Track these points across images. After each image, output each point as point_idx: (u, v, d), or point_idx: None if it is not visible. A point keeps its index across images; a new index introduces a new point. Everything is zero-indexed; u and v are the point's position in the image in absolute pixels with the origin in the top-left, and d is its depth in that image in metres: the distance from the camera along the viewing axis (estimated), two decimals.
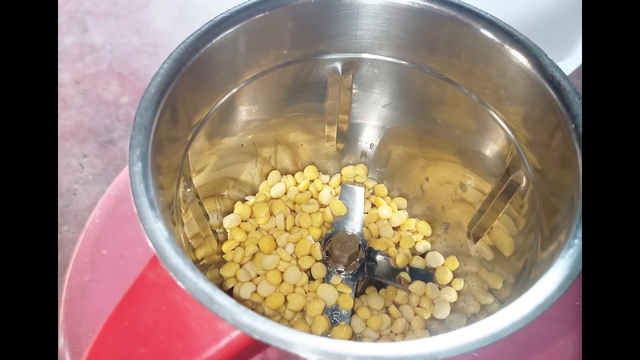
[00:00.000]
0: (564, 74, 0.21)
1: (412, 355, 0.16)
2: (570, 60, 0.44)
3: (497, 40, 0.22)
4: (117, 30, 0.56)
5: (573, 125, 0.20)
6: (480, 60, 0.23)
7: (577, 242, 0.18)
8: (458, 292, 0.29)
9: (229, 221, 0.30)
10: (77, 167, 0.46)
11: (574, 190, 0.19)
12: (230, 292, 0.28)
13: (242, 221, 0.30)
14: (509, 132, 0.24)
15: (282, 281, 0.28)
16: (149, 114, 0.21)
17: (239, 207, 0.31)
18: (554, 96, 0.21)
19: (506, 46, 0.22)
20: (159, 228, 0.18)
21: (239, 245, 0.29)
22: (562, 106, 0.21)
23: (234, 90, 0.26)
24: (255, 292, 0.28)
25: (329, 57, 0.26)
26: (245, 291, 0.28)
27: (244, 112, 0.27)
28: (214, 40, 0.23)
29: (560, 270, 0.17)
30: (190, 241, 0.25)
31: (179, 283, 0.17)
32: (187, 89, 0.23)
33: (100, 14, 0.58)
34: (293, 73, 0.27)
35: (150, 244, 0.18)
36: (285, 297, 0.28)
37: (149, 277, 0.18)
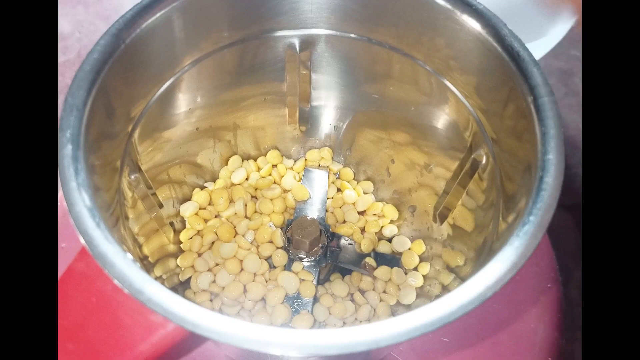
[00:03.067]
0: (523, 44, 0.20)
1: (353, 342, 0.15)
2: (545, 40, 0.43)
3: (453, 9, 0.21)
4: (86, 18, 0.54)
5: (532, 97, 0.19)
6: (438, 31, 0.22)
7: (532, 219, 0.17)
8: (424, 276, 0.28)
9: (186, 209, 0.28)
10: None
11: (532, 164, 0.18)
12: (188, 283, 0.27)
13: (200, 209, 0.29)
14: (469, 106, 0.23)
15: (242, 270, 0.27)
16: (82, 94, 0.19)
17: (197, 194, 0.29)
18: (513, 67, 0.20)
19: (464, 16, 0.21)
20: (88, 214, 0.17)
21: (197, 234, 0.28)
22: (521, 77, 0.20)
23: (183, 70, 0.24)
24: (214, 281, 0.27)
25: (281, 34, 0.25)
26: (203, 281, 0.26)
27: (196, 95, 0.26)
28: (157, 15, 0.22)
29: (513, 249, 0.16)
30: (137, 235, 0.23)
31: (106, 272, 0.16)
32: (126, 68, 0.21)
33: (67, 1, 0.55)
34: (246, 52, 0.26)
35: (77, 232, 0.17)
36: (245, 286, 0.26)
37: (78, 268, 0.17)
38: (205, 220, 0.29)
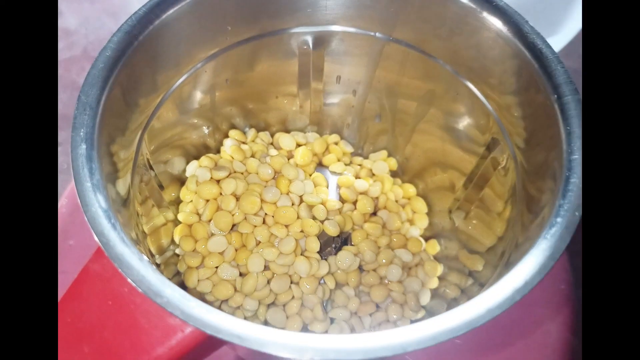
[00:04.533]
0: (546, 41, 0.20)
1: (379, 347, 0.14)
2: (557, 38, 0.42)
3: (474, 6, 0.21)
4: (92, 14, 0.54)
5: (556, 96, 0.19)
6: (457, 29, 0.22)
7: (560, 221, 0.16)
8: (439, 277, 0.27)
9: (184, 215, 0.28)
10: None
11: (557, 165, 0.18)
12: None
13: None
14: (488, 105, 0.23)
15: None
16: (95, 92, 0.19)
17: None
18: (536, 65, 0.20)
19: (484, 13, 0.21)
20: (103, 215, 0.17)
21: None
22: (544, 76, 0.19)
23: (196, 67, 0.24)
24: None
25: (295, 30, 0.25)
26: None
27: (208, 93, 0.26)
28: (170, 12, 0.21)
29: (540, 252, 0.16)
30: (148, 232, 0.23)
31: (123, 274, 0.15)
32: (139, 65, 0.21)
33: None
34: (259, 49, 0.25)
35: (93, 233, 0.16)
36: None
37: (93, 269, 0.17)
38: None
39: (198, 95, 0.25)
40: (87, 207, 0.17)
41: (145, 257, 0.16)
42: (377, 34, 0.24)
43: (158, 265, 0.23)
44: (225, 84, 0.26)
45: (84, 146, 0.18)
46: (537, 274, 0.15)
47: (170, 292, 0.15)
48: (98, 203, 0.17)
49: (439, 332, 0.14)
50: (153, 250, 0.23)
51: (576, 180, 0.17)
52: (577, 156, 0.17)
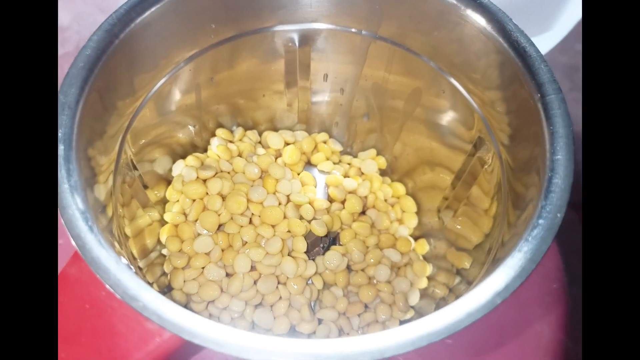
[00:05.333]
0: (530, 40, 0.20)
1: (358, 352, 0.14)
2: (551, 34, 0.42)
3: (457, 3, 0.21)
4: (84, 10, 0.53)
5: (539, 95, 0.18)
6: (442, 26, 0.21)
7: (542, 223, 0.16)
8: (428, 277, 0.27)
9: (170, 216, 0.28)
10: None
11: (540, 165, 0.18)
12: None
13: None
14: (472, 102, 0.22)
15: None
16: (74, 92, 0.19)
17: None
18: (519, 64, 0.19)
19: (468, 10, 0.21)
20: (81, 217, 0.16)
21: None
22: (527, 74, 0.19)
23: (179, 67, 0.24)
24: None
25: (279, 28, 0.24)
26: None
27: (192, 92, 0.25)
28: (151, 10, 0.21)
29: (522, 254, 0.15)
30: (131, 235, 0.23)
31: (99, 278, 0.15)
32: (120, 65, 0.21)
33: None
34: (243, 48, 0.25)
35: (69, 236, 0.16)
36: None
37: (71, 273, 0.17)
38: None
39: (183, 94, 0.25)
40: (63, 209, 0.16)
41: (123, 260, 0.16)
42: (363, 32, 0.24)
43: (140, 269, 0.23)
44: (211, 82, 0.26)
45: (61, 147, 0.18)
46: (518, 277, 0.15)
47: (147, 296, 0.15)
48: (75, 205, 0.17)
49: (418, 337, 0.14)
50: (135, 253, 0.23)
51: (558, 181, 0.17)
52: (560, 156, 0.17)
